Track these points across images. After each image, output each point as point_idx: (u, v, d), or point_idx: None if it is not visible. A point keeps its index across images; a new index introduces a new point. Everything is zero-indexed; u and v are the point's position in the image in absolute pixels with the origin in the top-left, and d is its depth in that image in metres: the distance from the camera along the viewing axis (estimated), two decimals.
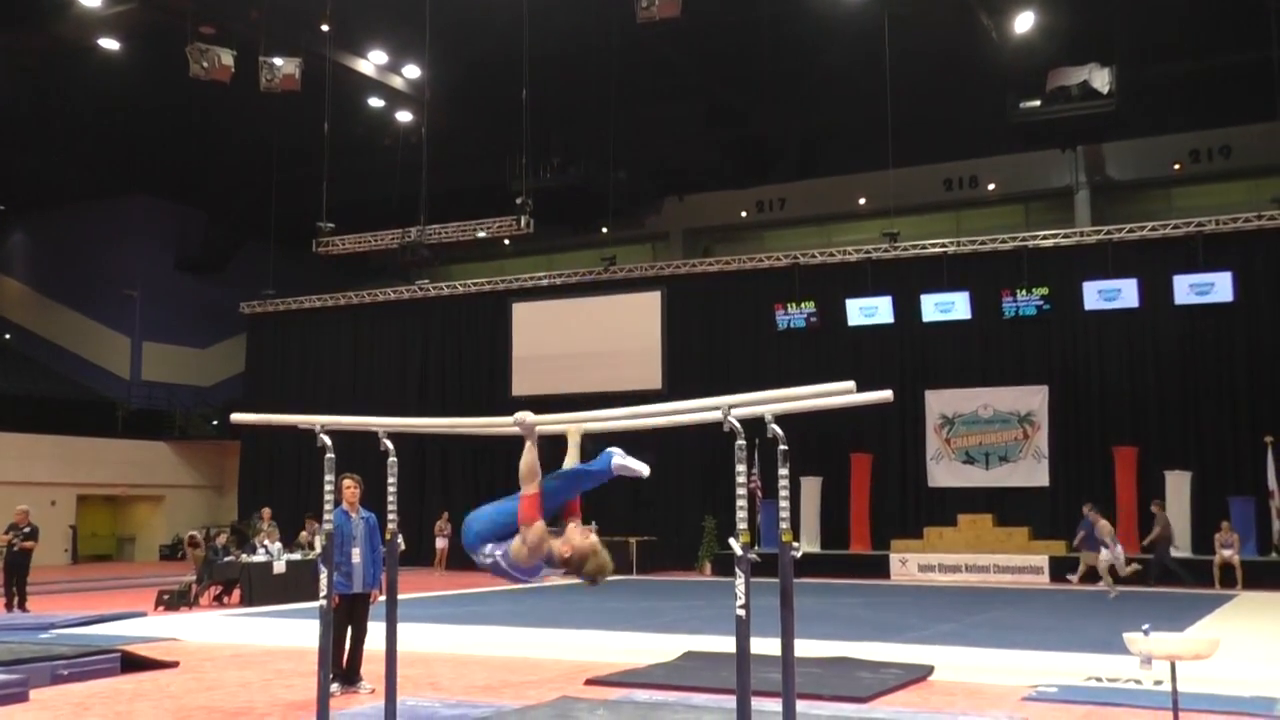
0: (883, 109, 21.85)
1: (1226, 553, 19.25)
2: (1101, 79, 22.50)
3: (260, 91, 21.76)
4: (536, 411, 5.65)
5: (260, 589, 16.90)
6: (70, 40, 23.34)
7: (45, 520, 19.16)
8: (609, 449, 5.18)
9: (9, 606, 16.05)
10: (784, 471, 5.23)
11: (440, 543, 24.96)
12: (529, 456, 5.22)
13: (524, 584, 5.27)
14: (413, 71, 25.27)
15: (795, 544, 5.08)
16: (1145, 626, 6.25)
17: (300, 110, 23.59)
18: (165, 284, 33.65)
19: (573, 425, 5.61)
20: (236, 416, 7.03)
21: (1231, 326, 21.46)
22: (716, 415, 4.99)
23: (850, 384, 4.80)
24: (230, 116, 26.44)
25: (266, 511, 21.03)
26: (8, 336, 35.03)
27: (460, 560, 25.30)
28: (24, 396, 30.28)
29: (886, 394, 5.18)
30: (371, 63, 24.96)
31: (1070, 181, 27.13)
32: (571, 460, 5.52)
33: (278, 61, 21.53)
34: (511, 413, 5.60)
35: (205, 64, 20.85)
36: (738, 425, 4.87)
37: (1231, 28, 22.73)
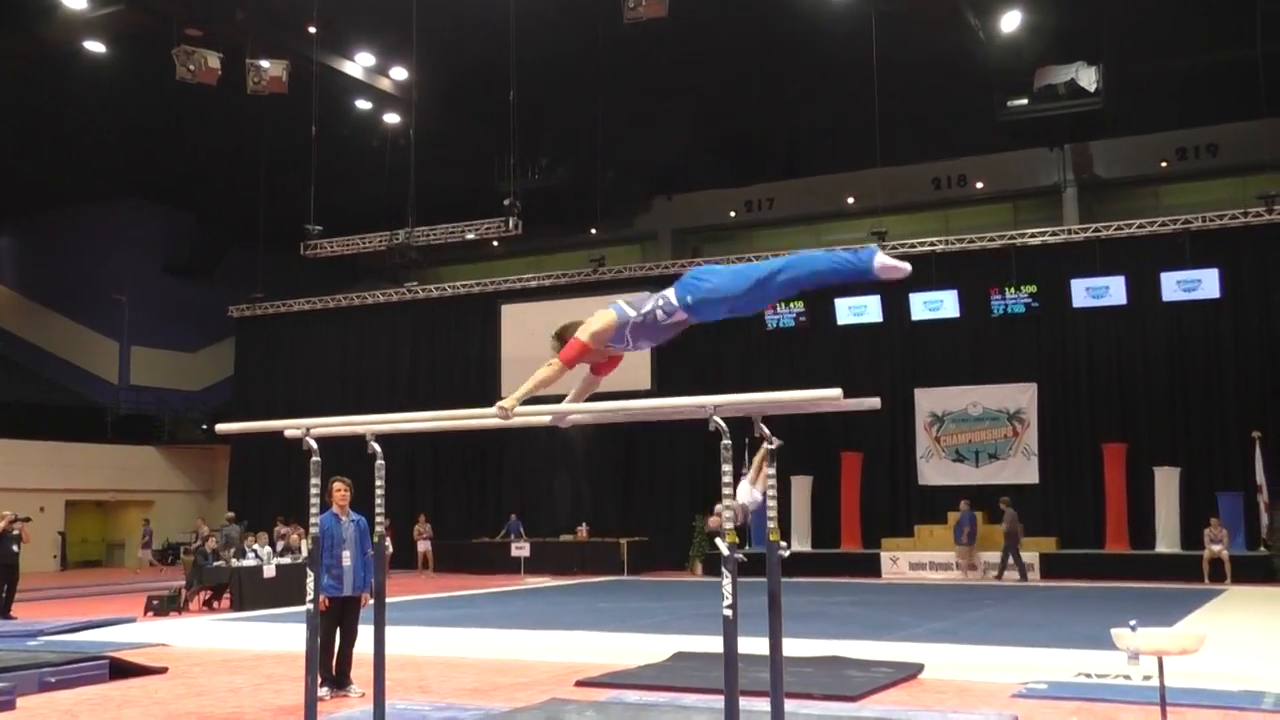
0: (870, 108, 21.86)
1: (1215, 548, 19.34)
2: (1088, 77, 22.55)
3: (247, 94, 21.70)
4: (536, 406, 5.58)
5: (250, 593, 16.85)
6: (55, 43, 23.23)
7: (34, 527, 19.08)
8: (870, 247, 4.99)
9: None
10: (772, 471, 5.24)
11: (422, 546, 24.94)
12: (538, 386, 5.17)
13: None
14: (400, 73, 25.24)
15: (783, 543, 5.08)
16: (1133, 622, 6.26)
17: (287, 113, 23.52)
18: (153, 288, 33.55)
19: (562, 417, 5.55)
20: (222, 427, 6.95)
21: (1219, 323, 21.55)
22: (703, 414, 4.98)
23: (837, 391, 4.77)
24: (217, 119, 26.35)
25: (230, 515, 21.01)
26: None
27: (448, 563, 25.36)
28: (12, 402, 30.16)
29: (874, 402, 5.19)
30: (359, 65, 24.91)
31: (1058, 179, 27.19)
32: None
33: (264, 64, 21.46)
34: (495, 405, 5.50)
35: (191, 67, 20.79)
36: (723, 425, 4.87)
37: (1218, 25, 22.78)
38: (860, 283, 4.90)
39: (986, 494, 22.63)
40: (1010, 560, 20.65)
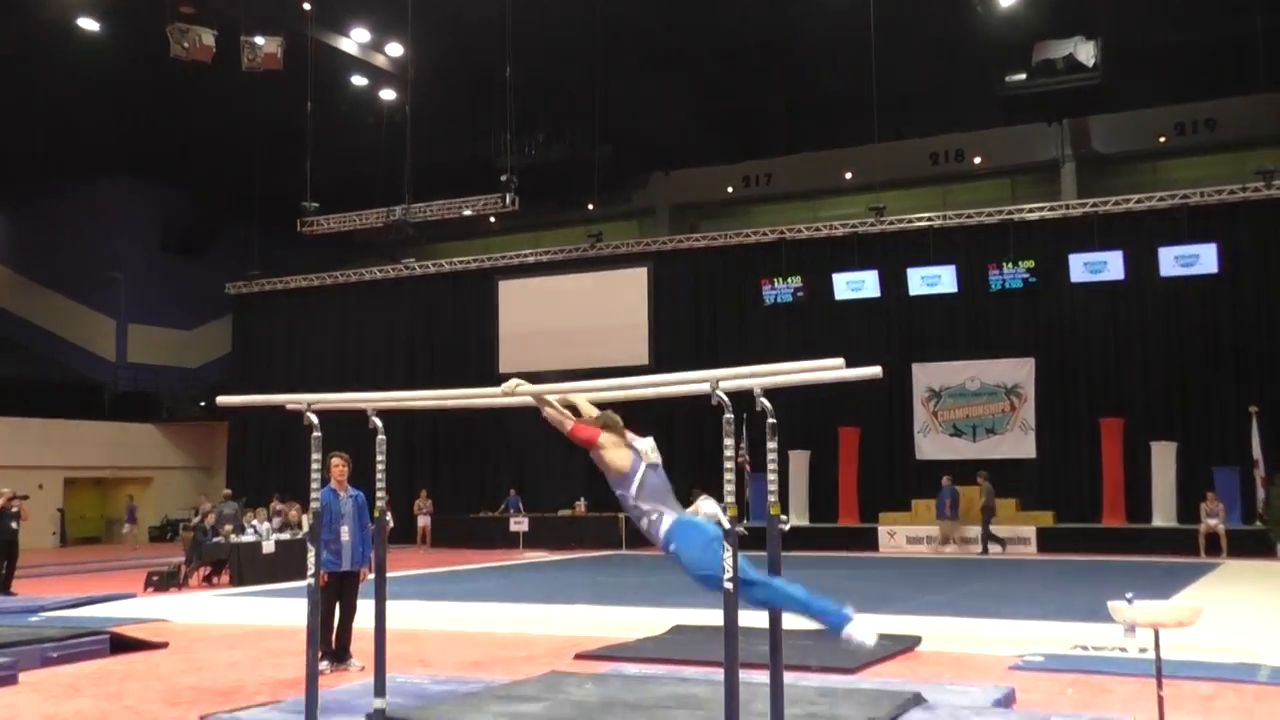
0: (868, 84, 21.81)
1: (1211, 522, 19.40)
2: (1087, 52, 22.49)
3: (242, 71, 21.60)
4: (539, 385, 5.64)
5: (249, 569, 16.90)
6: (50, 21, 23.11)
7: (33, 504, 19.10)
8: (848, 610, 4.97)
9: None
10: (772, 445, 5.24)
11: (422, 520, 25.01)
12: (551, 413, 5.40)
13: (652, 478, 5.31)
14: (396, 49, 25.11)
15: (783, 517, 5.10)
16: (1129, 595, 6.28)
17: (283, 90, 23.43)
18: (150, 266, 33.47)
19: (574, 397, 5.61)
20: (222, 399, 7.00)
21: (1216, 298, 21.57)
22: (702, 389, 4.99)
23: (839, 361, 4.80)
24: (213, 96, 26.23)
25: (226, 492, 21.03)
26: None
27: (447, 538, 25.44)
28: (10, 380, 30.13)
29: (875, 370, 5.19)
30: (354, 41, 24.80)
31: (1056, 155, 27.15)
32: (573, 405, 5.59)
33: (259, 40, 21.37)
34: (501, 385, 5.59)
35: (186, 44, 20.68)
36: (725, 399, 4.88)
37: (1216, 0, 22.70)
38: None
39: (984, 468, 22.69)
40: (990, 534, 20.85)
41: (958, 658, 9.06)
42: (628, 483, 5.25)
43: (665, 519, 5.19)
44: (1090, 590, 13.29)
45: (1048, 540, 21.05)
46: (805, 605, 5.01)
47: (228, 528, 17.51)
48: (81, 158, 31.05)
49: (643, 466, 5.26)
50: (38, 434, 28.95)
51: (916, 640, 9.65)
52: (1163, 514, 20.85)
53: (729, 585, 4.76)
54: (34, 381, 31.12)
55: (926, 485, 22.87)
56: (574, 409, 5.56)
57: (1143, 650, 7.78)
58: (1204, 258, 21.12)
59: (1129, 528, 21.00)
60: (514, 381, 5.52)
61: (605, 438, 5.27)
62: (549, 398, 5.42)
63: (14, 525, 16.41)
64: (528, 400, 5.60)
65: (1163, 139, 26.88)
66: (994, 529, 20.99)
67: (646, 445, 5.34)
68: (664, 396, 5.89)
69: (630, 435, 5.36)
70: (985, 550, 20.85)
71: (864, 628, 4.90)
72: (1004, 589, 14.72)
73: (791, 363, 4.98)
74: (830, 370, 4.84)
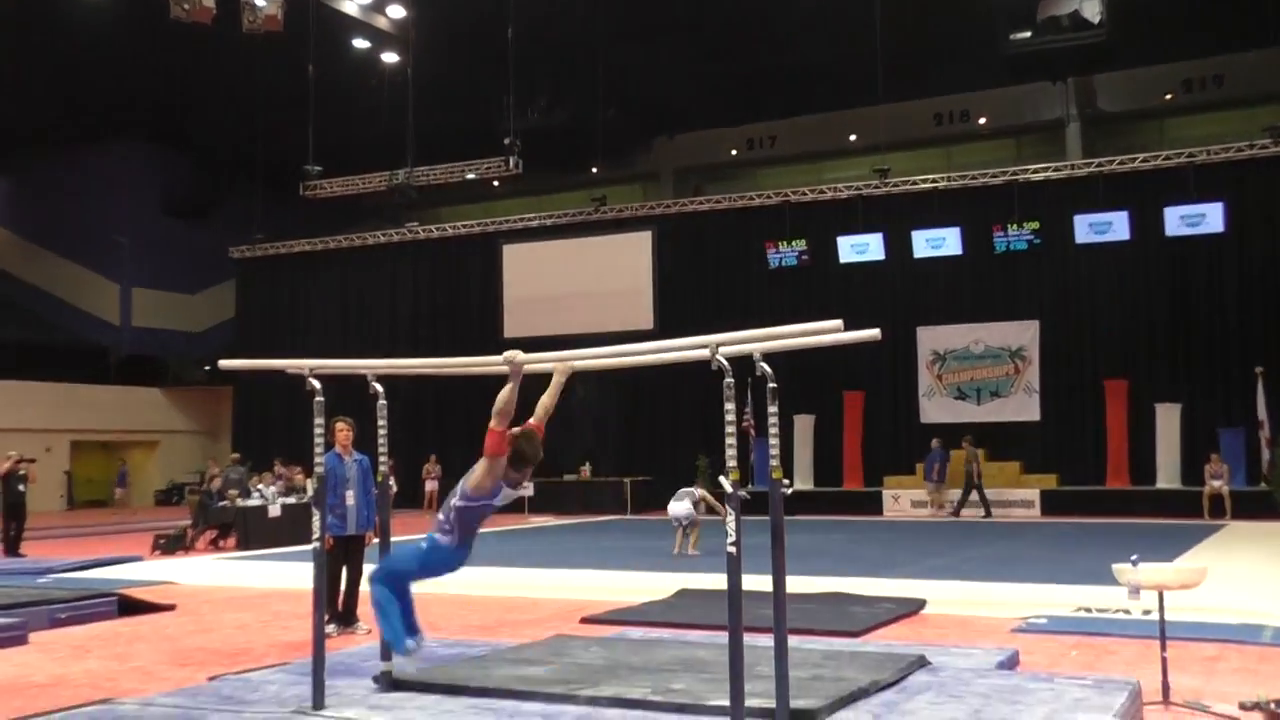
0: (872, 44, 21.63)
1: (1216, 483, 19.43)
2: (1092, 8, 22.23)
3: (243, 33, 21.45)
4: (528, 352, 5.68)
5: (256, 533, 16.96)
6: None
7: (40, 467, 19.19)
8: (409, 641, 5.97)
9: (6, 551, 16.13)
10: (773, 409, 5.24)
11: (430, 485, 25.09)
12: (507, 393, 5.57)
13: (486, 513, 5.93)
14: (397, 11, 24.92)
15: (786, 481, 5.11)
16: (1134, 557, 6.30)
17: (284, 52, 23.27)
18: (153, 229, 33.42)
19: (562, 365, 5.67)
20: (225, 363, 7.00)
21: (1223, 258, 21.48)
22: (705, 354, 4.98)
23: (838, 322, 4.79)
24: (213, 59, 26.07)
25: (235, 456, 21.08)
26: None
27: None
28: (15, 343, 30.21)
29: (874, 333, 5.17)
30: (355, 2, 24.59)
31: (1061, 114, 26.97)
32: (550, 398, 5.91)
33: (260, 2, 21.20)
34: (503, 354, 5.62)
35: (186, 6, 20.51)
36: (725, 364, 4.87)
37: None
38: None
39: (988, 431, 22.71)
40: (973, 496, 21.14)
41: (962, 620, 9.09)
42: (468, 497, 5.73)
43: (442, 537, 5.92)
44: (1094, 553, 13.34)
45: (1052, 503, 21.09)
46: (385, 619, 5.92)
47: (233, 492, 17.56)
48: (84, 122, 30.95)
49: (487, 504, 5.77)
50: (44, 397, 29.04)
51: (921, 603, 9.69)
52: (1167, 476, 20.87)
53: (732, 549, 4.78)
54: (39, 345, 31.20)
55: (931, 449, 22.89)
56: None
57: (1146, 612, 7.80)
58: (1210, 217, 21.00)
59: (1133, 490, 21.04)
60: (513, 353, 5.59)
61: (499, 463, 5.61)
62: (507, 391, 5.61)
63: (21, 488, 16.53)
64: (529, 370, 5.66)
65: (1169, 96, 26.68)
66: (989, 493, 21.09)
67: (511, 493, 5.82)
68: (669, 362, 5.87)
69: (526, 471, 5.77)
70: (957, 513, 21.18)
71: (406, 666, 5.96)
72: (1008, 552, 14.76)
73: (791, 326, 4.97)
74: (829, 333, 4.83)
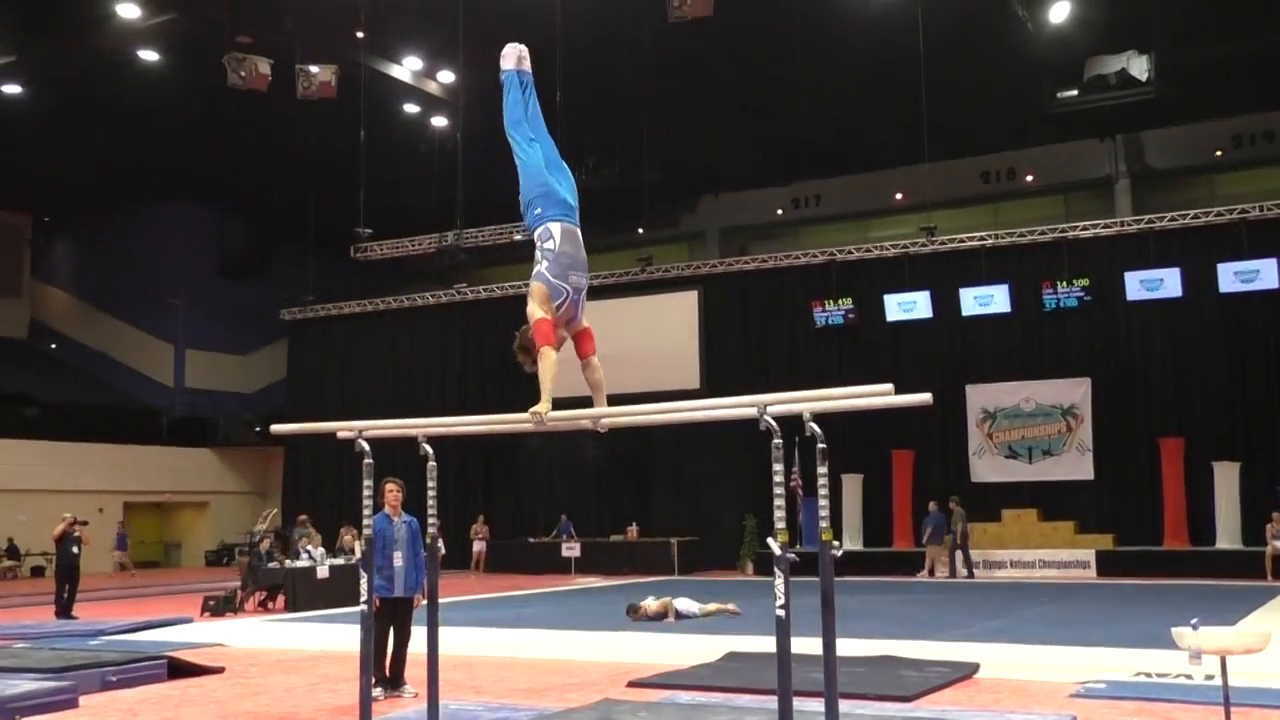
0: (918, 102, 21.68)
1: (1278, 544, 18.98)
2: (1140, 66, 22.20)
3: (297, 98, 21.91)
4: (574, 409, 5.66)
5: (304, 594, 17.01)
6: (110, 51, 23.59)
7: (93, 528, 19.40)
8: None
9: (59, 613, 16.27)
10: (823, 470, 5.19)
11: (478, 546, 25.06)
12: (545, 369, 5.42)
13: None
14: (447, 76, 25.35)
15: (836, 543, 5.05)
16: (1194, 620, 6.15)
17: (337, 117, 23.72)
18: (207, 291, 33.98)
19: (603, 424, 5.64)
20: (276, 428, 7.04)
21: (1278, 313, 21.16)
22: (752, 413, 4.96)
23: (888, 387, 4.76)
24: (268, 124, 26.63)
25: (303, 517, 21.11)
26: (54, 346, 35.51)
27: (499, 563, 25.46)
28: (70, 405, 30.69)
29: (925, 397, 5.12)
30: (406, 68, 25.06)
31: (1110, 171, 26.82)
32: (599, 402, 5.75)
33: (314, 69, 21.67)
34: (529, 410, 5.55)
35: (243, 73, 21.02)
36: (774, 424, 4.84)
37: (1273, 8, 22.36)
38: None
39: (1042, 490, 22.41)
40: (961, 559, 21.09)
41: (1017, 685, 8.90)
42: (547, 273, 5.50)
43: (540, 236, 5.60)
44: (1153, 615, 13.06)
45: (1108, 563, 20.70)
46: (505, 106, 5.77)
47: (280, 554, 17.67)
48: (141, 184, 31.64)
49: (541, 265, 5.55)
50: (98, 458, 29.42)
51: (975, 667, 9.50)
52: (1227, 536, 20.44)
53: (781, 613, 4.72)
54: (94, 407, 31.67)
55: (982, 508, 22.59)
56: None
57: (1209, 677, 7.60)
58: (1264, 273, 20.75)
59: (1192, 550, 20.61)
60: (539, 408, 5.47)
61: (532, 313, 5.45)
62: (546, 380, 5.44)
63: (75, 550, 16.68)
64: (557, 426, 5.69)
65: (1219, 152, 26.47)
66: (984, 553, 21.28)
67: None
68: (714, 420, 5.85)
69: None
70: (952, 574, 21.07)
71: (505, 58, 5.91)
72: (1064, 614, 14.48)
73: (840, 388, 4.95)
74: (879, 396, 4.80)
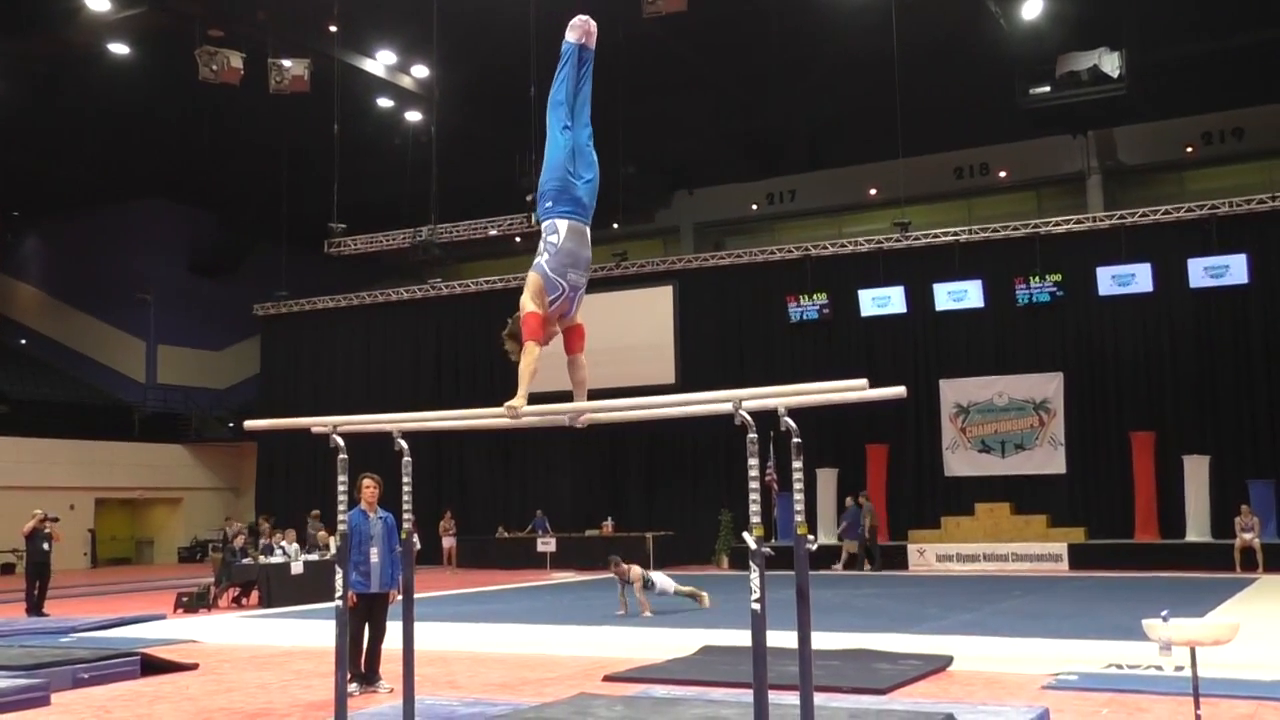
0: (891, 98, 21.77)
1: (1247, 536, 19.18)
2: (1111, 63, 22.36)
3: (270, 93, 21.79)
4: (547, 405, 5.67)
5: (278, 590, 16.95)
6: (80, 45, 23.39)
7: (64, 525, 19.25)
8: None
9: (30, 610, 16.14)
10: (798, 465, 5.21)
11: (447, 542, 24.98)
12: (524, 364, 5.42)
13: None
14: (421, 71, 25.26)
15: (810, 537, 5.07)
16: (1164, 612, 6.21)
17: (310, 111, 23.61)
18: (179, 287, 33.76)
19: (582, 418, 5.64)
20: (250, 423, 7.00)
21: (1247, 309, 21.36)
22: (728, 408, 4.98)
23: (863, 381, 4.79)
24: (240, 118, 26.48)
25: (315, 512, 21.02)
26: (23, 342, 35.19)
27: (473, 559, 25.42)
28: (40, 401, 30.44)
29: (900, 390, 5.15)
30: (380, 63, 24.97)
31: (1082, 167, 27.00)
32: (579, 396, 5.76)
33: (286, 63, 21.57)
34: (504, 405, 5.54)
35: (214, 67, 20.90)
36: (749, 419, 4.86)
37: (1242, 8, 22.57)
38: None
39: (1014, 484, 22.55)
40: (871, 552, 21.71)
41: (990, 677, 8.97)
42: (548, 267, 5.43)
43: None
44: (1124, 607, 13.16)
45: (1079, 557, 20.85)
46: (555, 80, 5.49)
47: (275, 541, 17.69)
48: (111, 180, 31.40)
49: (541, 259, 5.48)
50: (68, 455, 29.18)
51: (948, 660, 9.56)
52: (1197, 529, 20.63)
53: (756, 606, 4.73)
54: (64, 403, 31.42)
55: (956, 502, 22.75)
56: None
57: (1179, 668, 7.67)
58: (1234, 268, 20.94)
59: (1162, 543, 20.78)
60: (513, 403, 5.41)
61: (524, 306, 5.43)
62: (525, 374, 5.41)
63: (46, 547, 16.56)
64: (532, 421, 5.64)
65: (1190, 149, 26.71)
66: (957, 547, 21.63)
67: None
68: (689, 416, 5.87)
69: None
70: (864, 566, 21.70)
71: (571, 30, 5.47)
72: (1036, 607, 14.58)
73: (815, 383, 4.97)
74: (854, 390, 4.83)
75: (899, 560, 22.11)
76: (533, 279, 5.40)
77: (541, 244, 5.48)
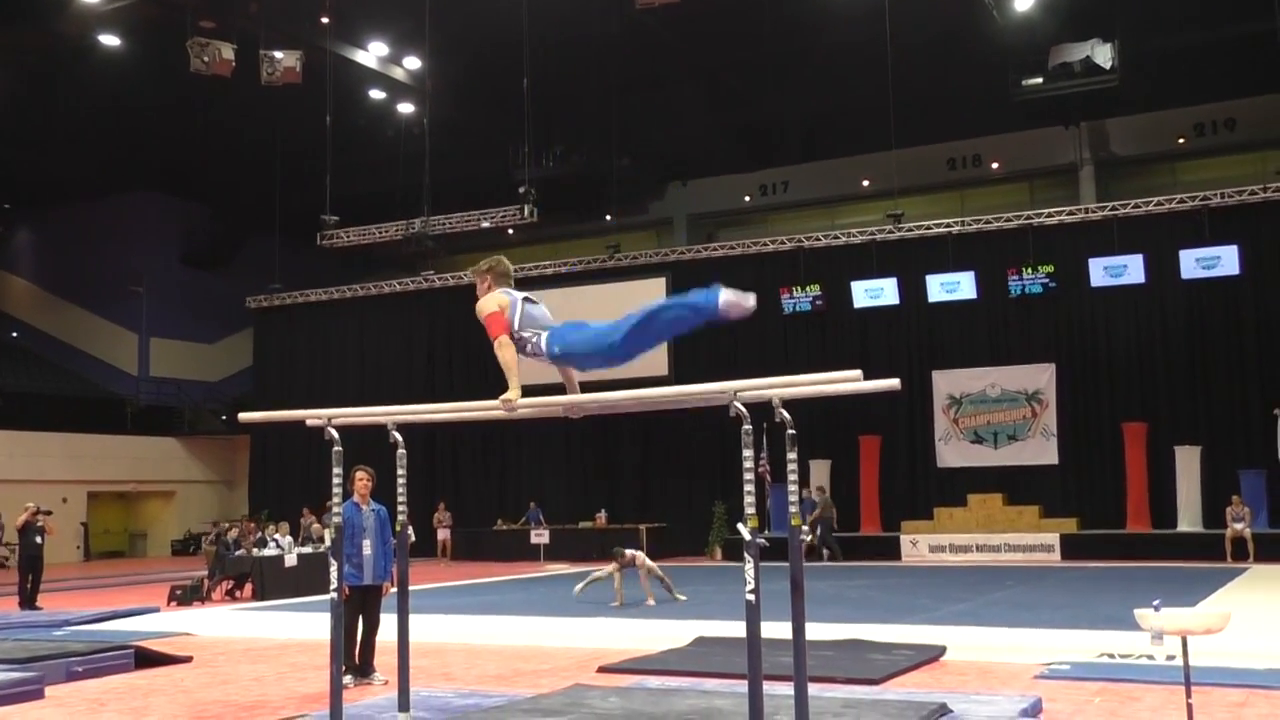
0: (885, 89, 21.78)
1: (1238, 526, 19.25)
2: (1104, 54, 22.41)
3: (262, 85, 21.73)
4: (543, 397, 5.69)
5: (272, 583, 16.92)
6: (71, 36, 23.32)
7: (57, 518, 19.21)
8: (716, 285, 4.88)
9: (23, 604, 16.12)
10: (792, 455, 5.22)
11: (441, 534, 24.98)
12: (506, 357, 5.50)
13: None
14: (413, 63, 25.23)
15: (804, 528, 5.08)
16: (1156, 602, 6.23)
17: (302, 103, 23.57)
18: (171, 279, 33.69)
19: (575, 410, 5.67)
20: (245, 416, 7.00)
21: (1239, 299, 21.41)
22: (723, 399, 4.99)
23: (857, 373, 4.80)
24: (233, 110, 26.42)
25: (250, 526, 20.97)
26: (15, 335, 35.10)
27: (467, 551, 25.43)
28: (33, 394, 30.36)
29: (894, 382, 5.15)
30: (372, 54, 24.93)
31: (1074, 158, 27.03)
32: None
33: (278, 54, 21.52)
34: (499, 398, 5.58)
35: (206, 58, 20.84)
36: (744, 410, 4.87)
37: (1234, 0, 22.59)
38: (714, 322, 5.03)
39: (1007, 475, 22.59)
40: (825, 542, 21.54)
41: (983, 667, 9.00)
42: (513, 319, 5.56)
43: (542, 336, 5.48)
44: (1116, 597, 13.21)
45: (1072, 547, 20.91)
46: (677, 310, 5.14)
47: (269, 534, 17.65)
48: (102, 172, 31.31)
49: (519, 300, 5.58)
50: (61, 448, 29.12)
51: (941, 650, 9.59)
52: (1188, 519, 20.70)
53: (751, 597, 4.75)
54: (57, 396, 31.35)
55: (949, 493, 22.79)
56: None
57: (1170, 658, 7.70)
58: (1225, 259, 20.99)
59: (1154, 534, 20.86)
60: (508, 396, 5.53)
61: (483, 308, 5.62)
62: (511, 367, 5.53)
63: (39, 540, 16.53)
64: (534, 413, 5.75)
65: (1182, 140, 26.75)
66: (950, 537, 21.68)
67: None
68: (683, 407, 5.88)
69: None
70: (823, 556, 21.37)
71: (730, 294, 4.83)
72: (1029, 597, 14.63)
73: (809, 374, 4.98)
74: (848, 382, 4.84)
75: (892, 551, 22.16)
76: (500, 299, 5.66)
77: (530, 329, 5.59)
